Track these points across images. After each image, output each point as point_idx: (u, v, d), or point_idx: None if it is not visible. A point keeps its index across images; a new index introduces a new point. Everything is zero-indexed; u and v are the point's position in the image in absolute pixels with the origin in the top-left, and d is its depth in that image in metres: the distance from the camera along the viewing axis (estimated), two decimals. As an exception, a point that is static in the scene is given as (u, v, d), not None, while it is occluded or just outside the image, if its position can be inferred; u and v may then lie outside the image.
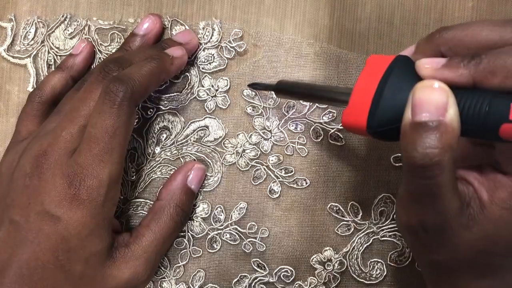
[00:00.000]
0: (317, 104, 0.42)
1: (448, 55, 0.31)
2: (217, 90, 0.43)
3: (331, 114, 0.42)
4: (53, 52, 0.43)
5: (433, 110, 0.28)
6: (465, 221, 0.30)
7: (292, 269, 0.42)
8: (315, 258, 0.42)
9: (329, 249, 0.42)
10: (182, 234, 0.42)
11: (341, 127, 0.42)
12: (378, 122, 0.30)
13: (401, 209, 0.32)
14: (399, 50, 0.42)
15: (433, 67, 0.30)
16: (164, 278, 0.43)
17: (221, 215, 0.43)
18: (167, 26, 0.43)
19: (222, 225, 0.42)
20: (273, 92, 0.41)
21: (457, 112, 0.28)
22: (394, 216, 0.42)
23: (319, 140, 0.42)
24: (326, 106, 0.42)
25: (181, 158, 0.43)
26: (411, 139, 0.28)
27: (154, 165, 0.43)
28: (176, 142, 0.43)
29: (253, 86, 0.42)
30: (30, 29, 0.44)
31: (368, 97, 0.31)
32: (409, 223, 0.32)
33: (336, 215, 0.42)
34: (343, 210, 0.42)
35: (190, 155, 0.43)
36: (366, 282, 0.42)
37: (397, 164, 0.42)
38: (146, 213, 0.42)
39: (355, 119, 0.31)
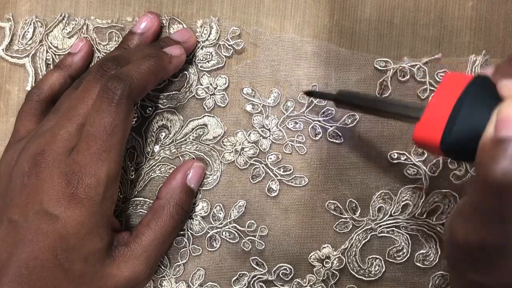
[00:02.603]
0: (315, 102, 0.42)
1: None
2: (215, 88, 0.43)
3: (329, 112, 0.42)
4: (51, 51, 0.44)
5: None
6: None
7: (291, 267, 0.42)
8: (313, 256, 0.42)
9: (327, 246, 0.42)
10: (181, 232, 0.42)
11: (340, 125, 0.42)
12: (453, 140, 0.30)
13: (459, 223, 0.31)
14: (399, 50, 0.42)
15: None
16: (164, 277, 0.43)
17: (220, 213, 0.43)
18: (165, 24, 0.43)
19: (221, 224, 0.43)
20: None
21: None
22: (392, 212, 0.42)
23: (318, 138, 0.42)
24: (325, 103, 0.42)
25: (180, 157, 0.43)
26: (491, 155, 0.27)
27: (153, 163, 0.43)
28: (175, 141, 0.43)
29: (309, 93, 0.41)
30: (28, 29, 0.44)
31: (444, 113, 0.30)
32: (466, 239, 0.30)
33: (335, 213, 0.42)
34: (341, 208, 0.42)
35: (189, 153, 0.43)
36: (364, 278, 0.42)
37: (394, 161, 0.42)
38: (146, 212, 0.42)
39: (429, 134, 0.30)
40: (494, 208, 0.28)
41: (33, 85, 0.43)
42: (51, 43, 0.44)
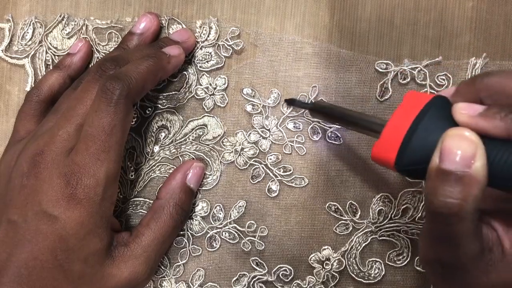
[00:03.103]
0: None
1: (487, 102, 0.31)
2: (215, 89, 0.43)
3: (329, 113, 0.42)
4: (51, 52, 0.44)
5: (459, 160, 0.28)
6: (484, 266, 0.30)
7: (291, 268, 0.42)
8: (313, 257, 0.42)
9: (327, 248, 0.42)
10: (181, 233, 0.43)
11: (339, 127, 0.42)
12: (406, 161, 0.30)
13: (422, 243, 0.32)
14: (399, 50, 0.42)
15: (469, 114, 0.29)
16: (164, 277, 0.43)
17: (220, 213, 0.43)
18: (164, 25, 0.43)
19: (221, 224, 0.42)
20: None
21: (484, 164, 0.28)
22: (392, 216, 0.42)
23: (318, 139, 0.42)
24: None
25: (180, 157, 0.43)
26: (433, 185, 0.28)
27: (153, 164, 0.43)
28: (175, 141, 0.43)
29: (289, 101, 0.42)
30: (27, 29, 0.44)
31: (400, 133, 0.30)
32: (428, 257, 0.32)
33: (335, 214, 0.42)
34: (341, 209, 0.42)
35: (189, 153, 0.43)
36: (364, 281, 0.42)
37: (395, 164, 0.42)
38: (146, 212, 0.42)
39: (385, 153, 0.31)
40: (441, 233, 0.29)
41: (33, 85, 0.43)
42: (50, 43, 0.44)
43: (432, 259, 0.31)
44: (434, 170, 0.28)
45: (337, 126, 0.42)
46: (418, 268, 0.42)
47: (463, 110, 0.30)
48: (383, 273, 0.42)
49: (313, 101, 0.42)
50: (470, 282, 0.30)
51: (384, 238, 0.42)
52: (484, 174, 0.28)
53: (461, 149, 0.28)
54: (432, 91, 0.41)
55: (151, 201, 0.43)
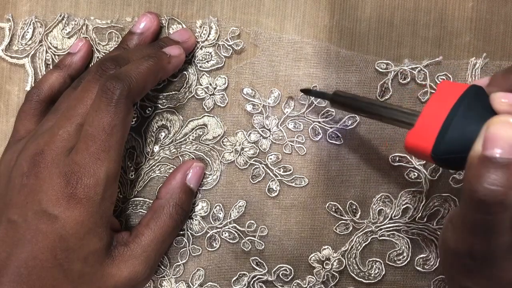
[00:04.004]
0: (315, 103, 0.42)
1: None
2: (215, 89, 0.43)
3: (329, 113, 0.42)
4: (51, 51, 0.44)
5: (506, 147, 0.27)
6: None
7: (291, 268, 0.42)
8: (313, 257, 0.42)
9: (327, 248, 0.42)
10: (181, 232, 0.43)
11: (340, 127, 0.42)
12: (444, 149, 0.30)
13: (450, 232, 0.31)
14: (399, 50, 0.42)
15: (510, 103, 0.29)
16: (164, 277, 0.43)
17: (220, 213, 0.43)
18: (164, 24, 0.43)
19: (221, 224, 0.42)
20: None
21: None
22: (393, 216, 0.42)
23: (318, 139, 0.42)
24: (325, 104, 0.42)
25: (180, 157, 0.43)
26: (477, 172, 0.28)
27: (153, 163, 0.43)
28: (175, 141, 0.43)
29: (306, 91, 0.41)
30: (28, 29, 0.44)
31: (437, 122, 0.30)
32: (456, 246, 0.31)
33: (335, 214, 0.42)
34: (341, 209, 0.42)
35: (189, 153, 0.43)
36: (364, 281, 0.42)
37: (395, 164, 0.42)
38: (146, 212, 0.42)
39: (421, 142, 0.31)
40: (479, 221, 0.29)
41: (33, 85, 0.43)
42: (50, 43, 0.44)
43: (462, 251, 0.31)
44: (477, 158, 0.28)
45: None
46: (418, 268, 0.42)
47: (503, 99, 0.30)
48: (383, 273, 0.42)
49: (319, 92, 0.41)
50: (499, 275, 0.30)
51: (384, 238, 0.42)
52: None
53: (508, 136, 0.27)
54: (433, 91, 0.41)
55: (151, 201, 0.43)
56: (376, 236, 0.42)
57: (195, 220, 0.43)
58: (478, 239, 0.30)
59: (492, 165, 0.27)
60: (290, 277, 0.42)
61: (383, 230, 0.42)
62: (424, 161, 0.41)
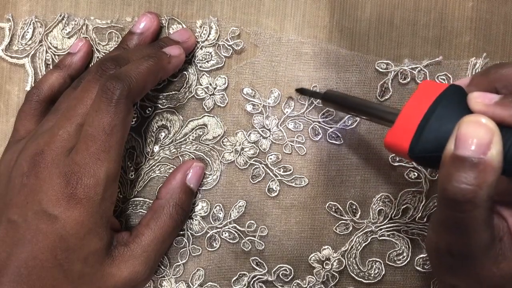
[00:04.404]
0: (315, 103, 0.42)
1: (502, 92, 0.31)
2: (215, 89, 0.43)
3: (329, 113, 0.42)
4: (51, 51, 0.44)
5: (475, 146, 0.28)
6: (494, 256, 0.30)
7: (291, 268, 0.42)
8: (313, 257, 0.42)
9: (327, 248, 0.42)
10: (181, 232, 0.43)
11: (340, 127, 0.42)
12: (420, 148, 0.30)
13: (431, 231, 0.32)
14: (399, 50, 0.42)
15: (485, 103, 0.30)
16: (164, 277, 0.43)
17: (220, 213, 0.43)
18: (164, 24, 0.43)
19: (221, 224, 0.42)
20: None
21: (500, 151, 0.28)
22: (393, 216, 0.42)
23: (318, 139, 0.42)
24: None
25: (180, 157, 0.43)
26: (448, 171, 0.28)
27: (153, 164, 0.43)
28: (175, 141, 0.43)
29: (300, 91, 0.42)
30: (28, 29, 0.44)
31: (414, 121, 0.31)
32: (437, 245, 0.32)
33: (335, 214, 0.42)
34: (341, 209, 0.42)
35: (189, 153, 0.43)
36: (364, 281, 0.42)
37: (395, 164, 0.42)
38: (146, 212, 0.42)
39: (399, 141, 0.31)
40: (452, 219, 0.29)
41: (33, 85, 0.43)
42: (50, 43, 0.44)
43: (442, 249, 0.31)
44: (449, 157, 0.28)
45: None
46: (418, 268, 0.42)
47: (478, 99, 0.30)
48: (383, 273, 0.42)
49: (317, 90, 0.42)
50: (479, 272, 0.30)
51: (384, 238, 0.42)
52: (499, 161, 0.28)
53: (477, 136, 0.28)
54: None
55: (151, 201, 0.43)
56: (376, 236, 0.42)
57: (195, 220, 0.43)
58: (454, 237, 0.30)
59: (462, 164, 0.28)
60: (290, 277, 0.42)
61: (383, 230, 0.42)
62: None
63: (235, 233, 0.42)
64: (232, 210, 0.43)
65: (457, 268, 0.31)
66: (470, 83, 0.33)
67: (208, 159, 0.43)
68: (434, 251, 0.32)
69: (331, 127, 0.42)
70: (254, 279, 0.42)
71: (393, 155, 0.42)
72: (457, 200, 0.28)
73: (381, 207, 0.42)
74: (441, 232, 0.31)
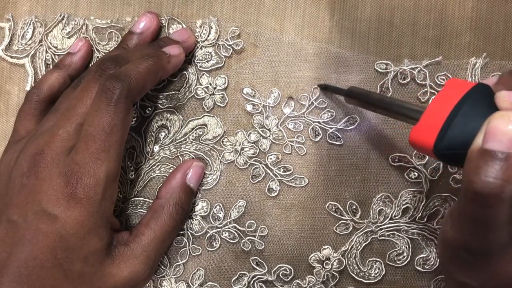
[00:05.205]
0: (315, 104, 0.42)
1: None
2: (215, 88, 0.43)
3: (330, 114, 0.42)
4: (51, 51, 0.44)
5: (506, 141, 0.27)
6: (511, 253, 0.30)
7: (291, 268, 0.42)
8: (313, 257, 0.42)
9: (327, 247, 0.42)
10: (181, 232, 0.43)
11: (340, 127, 0.42)
12: (446, 145, 0.30)
13: (449, 225, 0.32)
14: (399, 50, 0.42)
15: None
16: (164, 276, 0.43)
17: (220, 213, 0.43)
18: (164, 24, 0.43)
19: (221, 223, 0.43)
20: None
21: None
22: (393, 215, 0.42)
23: (318, 139, 0.42)
24: (325, 105, 0.42)
25: (180, 157, 0.43)
26: (476, 164, 0.28)
27: (153, 163, 0.43)
28: (175, 141, 0.43)
29: (323, 86, 0.42)
30: (27, 29, 0.44)
31: (440, 118, 0.31)
32: (454, 240, 0.31)
33: (335, 214, 0.42)
34: (341, 209, 0.42)
35: (189, 153, 0.43)
36: (364, 281, 0.42)
37: (395, 164, 0.42)
38: (146, 211, 0.42)
39: (424, 137, 0.31)
40: (476, 214, 0.29)
41: (33, 85, 0.43)
42: (50, 43, 0.44)
43: (459, 244, 0.31)
44: (476, 151, 0.28)
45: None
46: (418, 268, 0.42)
47: (506, 97, 0.30)
48: (383, 273, 0.42)
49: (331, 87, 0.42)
50: (493, 270, 0.30)
51: (385, 238, 0.42)
52: None
53: (508, 130, 0.28)
54: (433, 91, 0.41)
55: (151, 201, 0.43)
56: (376, 236, 0.42)
57: (195, 220, 0.43)
58: (475, 233, 0.30)
59: (491, 158, 0.28)
60: (290, 277, 0.42)
61: (383, 230, 0.42)
62: (424, 162, 0.41)
63: (235, 233, 0.42)
64: (232, 210, 0.43)
65: (471, 265, 0.31)
66: (497, 82, 0.33)
67: (208, 159, 0.43)
68: (449, 246, 0.32)
69: (331, 128, 0.42)
70: (254, 279, 0.42)
71: (393, 155, 0.42)
72: (484, 193, 0.28)
73: (382, 207, 0.42)
74: (461, 226, 0.31)
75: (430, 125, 0.31)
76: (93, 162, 0.36)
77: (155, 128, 0.43)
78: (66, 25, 0.44)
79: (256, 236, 0.42)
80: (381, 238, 0.42)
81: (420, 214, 0.42)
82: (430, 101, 0.33)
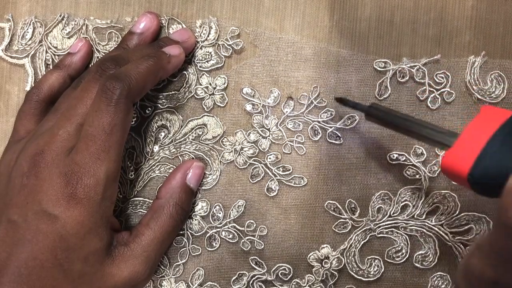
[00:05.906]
0: (315, 103, 0.42)
1: None
2: (214, 88, 0.43)
3: (329, 113, 0.42)
4: (51, 51, 0.44)
5: None
6: None
7: (290, 267, 0.42)
8: (312, 256, 0.42)
9: (326, 246, 0.42)
10: (181, 232, 0.43)
11: (339, 126, 0.42)
12: (482, 173, 0.30)
13: (477, 258, 0.30)
14: (399, 49, 0.42)
15: None
16: (163, 276, 0.43)
17: (219, 213, 0.43)
18: (164, 24, 0.43)
19: (220, 223, 0.43)
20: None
21: None
22: (392, 213, 0.42)
23: (317, 139, 0.42)
24: (325, 104, 0.42)
25: (179, 157, 0.43)
26: None
27: (153, 163, 0.43)
28: (175, 141, 0.43)
29: (341, 100, 0.41)
30: (27, 29, 0.44)
31: (477, 145, 0.30)
32: (482, 274, 0.30)
33: (334, 213, 0.42)
34: (340, 208, 0.42)
35: (189, 153, 0.43)
36: (363, 279, 0.42)
37: (394, 162, 0.42)
38: (145, 211, 0.42)
39: (458, 164, 0.30)
40: (510, 250, 0.28)
41: (33, 85, 0.43)
42: (50, 43, 0.44)
43: (488, 279, 0.30)
44: None
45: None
46: (416, 264, 0.42)
47: None
48: (382, 270, 0.42)
49: (354, 103, 0.40)
50: None
51: (383, 235, 0.42)
52: None
53: None
54: (431, 89, 0.41)
55: (151, 201, 0.43)
56: (375, 233, 0.42)
57: (195, 220, 0.43)
58: (507, 269, 0.29)
59: None
60: (289, 276, 0.42)
61: (381, 228, 0.42)
62: (423, 159, 0.41)
63: (234, 232, 0.42)
64: (232, 210, 0.43)
65: None
66: None
67: (207, 158, 0.43)
68: (477, 280, 0.31)
69: (330, 127, 0.42)
70: (254, 278, 0.42)
71: (392, 152, 0.42)
72: None
73: (380, 205, 0.42)
74: (492, 261, 0.29)
75: (466, 151, 0.30)
76: (93, 162, 0.36)
77: (154, 128, 0.43)
78: (66, 25, 0.44)
79: (256, 236, 0.42)
80: (379, 235, 0.42)
81: (419, 211, 0.42)
82: (464, 127, 0.32)
